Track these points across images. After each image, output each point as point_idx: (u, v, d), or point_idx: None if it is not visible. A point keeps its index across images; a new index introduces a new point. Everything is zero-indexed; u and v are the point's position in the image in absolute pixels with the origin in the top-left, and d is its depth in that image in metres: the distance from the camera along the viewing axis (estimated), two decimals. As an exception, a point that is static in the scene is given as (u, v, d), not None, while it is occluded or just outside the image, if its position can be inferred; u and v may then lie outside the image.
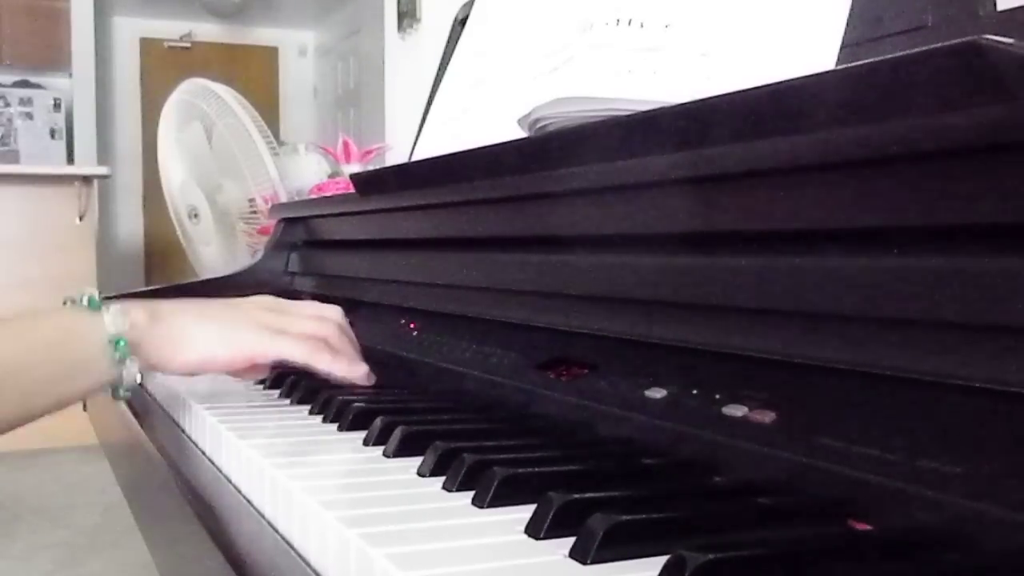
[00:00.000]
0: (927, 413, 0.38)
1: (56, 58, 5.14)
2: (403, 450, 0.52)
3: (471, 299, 0.77)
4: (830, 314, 0.43)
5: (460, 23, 1.06)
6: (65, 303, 0.65)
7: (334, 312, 0.75)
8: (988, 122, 0.33)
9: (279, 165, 2.30)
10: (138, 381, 0.64)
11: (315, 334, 0.71)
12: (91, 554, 2.46)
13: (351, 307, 1.03)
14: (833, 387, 0.43)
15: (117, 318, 0.63)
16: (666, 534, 0.35)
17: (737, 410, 0.46)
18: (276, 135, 2.44)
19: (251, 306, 0.72)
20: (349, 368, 0.70)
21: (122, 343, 0.63)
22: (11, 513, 2.80)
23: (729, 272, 0.49)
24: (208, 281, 1.25)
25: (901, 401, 0.40)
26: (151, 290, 1.24)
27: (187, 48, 6.15)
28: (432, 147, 0.90)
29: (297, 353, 0.69)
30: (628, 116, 0.52)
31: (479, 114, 0.84)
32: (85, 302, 0.64)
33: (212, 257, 2.51)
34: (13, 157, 4.95)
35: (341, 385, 0.71)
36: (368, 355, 0.77)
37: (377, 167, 1.70)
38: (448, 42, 1.12)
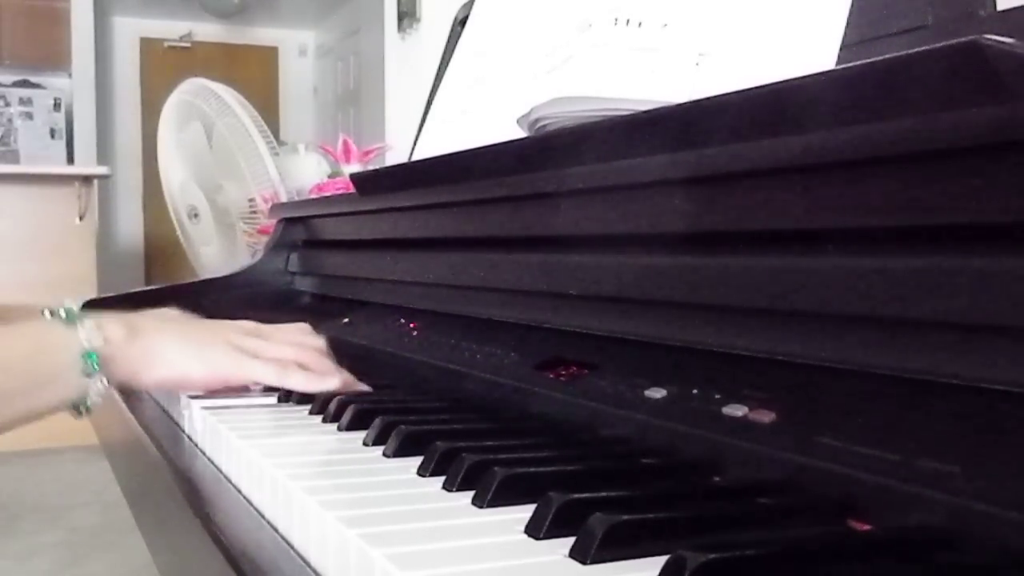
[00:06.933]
0: (927, 413, 0.38)
1: (56, 58, 5.14)
2: (403, 450, 0.52)
3: (471, 299, 0.77)
4: (830, 314, 0.43)
5: (460, 23, 1.06)
6: (43, 313, 0.65)
7: (316, 340, 0.75)
8: (988, 122, 0.33)
9: (279, 165, 2.30)
10: (99, 400, 0.64)
11: (290, 358, 0.71)
12: (91, 554, 2.45)
13: (351, 307, 1.03)
14: (833, 387, 0.43)
15: (92, 333, 0.64)
16: (666, 534, 0.35)
17: (737, 410, 0.46)
18: (276, 135, 2.44)
19: (230, 329, 0.72)
20: (322, 382, 0.69)
21: (93, 358, 0.63)
22: (11, 513, 2.80)
23: (729, 272, 0.49)
24: (208, 281, 1.25)
25: (901, 401, 0.40)
26: (152, 289, 1.23)
27: (187, 48, 6.15)
28: (432, 147, 0.90)
29: (269, 375, 0.69)
30: (627, 116, 0.52)
31: (479, 114, 0.84)
32: (63, 314, 0.64)
33: (212, 257, 2.51)
34: (13, 157, 4.95)
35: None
36: (368, 355, 0.77)
37: (377, 167, 1.70)
38: (448, 42, 1.12)
